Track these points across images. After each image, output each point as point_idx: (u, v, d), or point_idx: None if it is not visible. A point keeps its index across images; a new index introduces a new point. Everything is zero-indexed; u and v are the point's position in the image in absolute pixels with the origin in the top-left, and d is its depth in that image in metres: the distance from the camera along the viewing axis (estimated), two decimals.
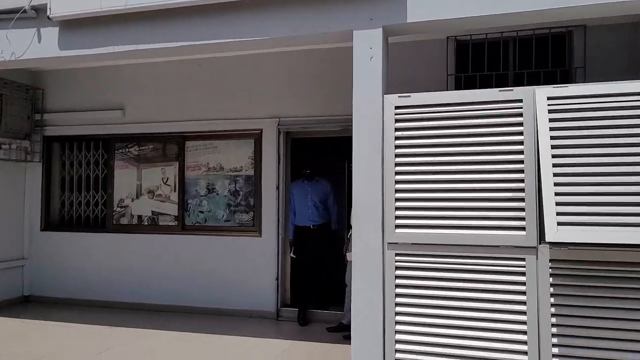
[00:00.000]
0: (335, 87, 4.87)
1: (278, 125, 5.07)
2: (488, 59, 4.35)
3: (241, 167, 5.23)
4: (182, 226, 5.36)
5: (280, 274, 5.01)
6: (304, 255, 4.79)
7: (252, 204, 5.17)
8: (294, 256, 4.88)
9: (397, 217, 2.93)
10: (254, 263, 5.06)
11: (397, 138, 2.97)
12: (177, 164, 5.44)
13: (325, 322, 4.72)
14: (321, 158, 5.41)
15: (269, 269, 5.00)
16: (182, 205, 5.38)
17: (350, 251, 4.23)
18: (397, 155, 2.96)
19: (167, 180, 5.49)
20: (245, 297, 5.03)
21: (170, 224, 5.43)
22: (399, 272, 2.90)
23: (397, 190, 2.94)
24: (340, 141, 5.84)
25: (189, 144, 5.43)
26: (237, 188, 5.24)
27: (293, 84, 5.06)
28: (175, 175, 5.44)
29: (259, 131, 5.14)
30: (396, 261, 2.91)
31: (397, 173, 2.95)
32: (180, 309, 5.21)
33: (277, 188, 5.04)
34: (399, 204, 2.93)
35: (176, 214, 5.40)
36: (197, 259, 5.25)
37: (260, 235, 5.07)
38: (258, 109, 5.14)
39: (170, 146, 5.50)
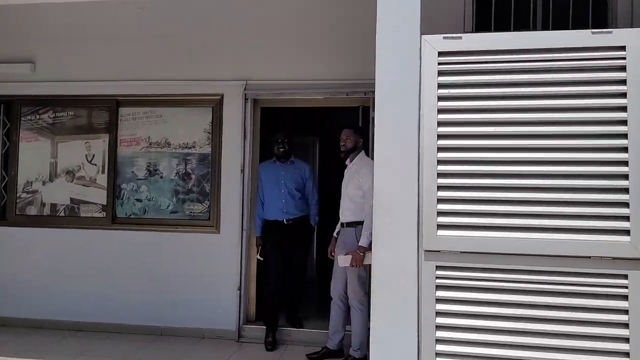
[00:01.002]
0: (322, 41, 3.90)
1: (245, 90, 4.01)
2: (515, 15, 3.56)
3: (194, 142, 4.13)
4: (112, 219, 4.19)
5: (244, 282, 3.99)
6: (275, 257, 3.80)
7: (207, 191, 4.09)
8: (261, 258, 3.89)
9: (440, 214, 2.04)
10: (210, 267, 4.01)
11: (441, 99, 2.08)
12: (107, 137, 4.24)
13: (301, 344, 3.78)
14: (294, 133, 4.40)
15: (229, 275, 3.97)
16: (113, 191, 4.20)
17: (344, 254, 3.33)
18: (441, 124, 2.06)
19: (92, 158, 4.27)
20: (197, 311, 3.98)
21: (96, 215, 4.23)
22: (441, 294, 2.02)
23: (440, 175, 2.05)
24: (314, 113, 4.89)
25: (124, 111, 4.24)
26: (187, 170, 4.14)
27: (265, 36, 4.02)
28: (105, 152, 4.23)
29: (219, 97, 4.06)
30: (437, 277, 2.03)
31: (440, 149, 2.06)
32: (107, 328, 4.06)
33: (242, 171, 4.00)
34: (442, 194, 2.04)
35: (104, 203, 4.21)
36: (131, 262, 4.11)
37: (218, 232, 4.02)
38: (219, 68, 4.06)
39: (98, 113, 4.28)
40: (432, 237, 2.03)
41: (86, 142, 4.28)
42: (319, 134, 5.87)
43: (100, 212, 4.22)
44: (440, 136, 2.06)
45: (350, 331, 3.41)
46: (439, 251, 2.04)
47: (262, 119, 4.21)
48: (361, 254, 3.21)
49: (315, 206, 3.96)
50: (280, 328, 3.87)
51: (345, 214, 3.42)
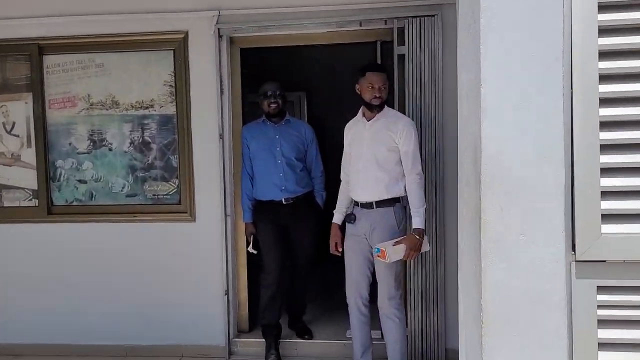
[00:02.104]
0: None
1: (217, 24, 2.96)
2: None
3: (151, 101, 3.09)
4: (47, 208, 3.15)
5: (232, 283, 3.08)
6: (273, 249, 2.90)
7: (174, 166, 3.10)
8: (254, 251, 2.98)
9: (604, 194, 1.15)
10: (185, 267, 3.07)
11: (601, 8, 1.15)
12: (29, 98, 3.14)
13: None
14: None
15: (211, 276, 3.05)
16: (46, 171, 3.15)
17: (390, 245, 2.44)
18: (604, 55, 1.15)
19: (12, 128, 3.18)
20: (172, 325, 3.07)
21: (25, 204, 3.18)
22: (607, 334, 1.17)
23: (603, 124, 1.15)
24: (299, 57, 3.85)
25: (50, 60, 3.13)
26: (146, 138, 3.11)
27: None
28: (29, 118, 3.15)
29: (182, 36, 3.01)
30: (600, 306, 1.17)
31: (604, 102, 1.15)
32: (52, 350, 3.11)
33: (221, 137, 3.01)
34: (608, 158, 1.16)
35: (35, 187, 3.16)
36: (77, 265, 3.13)
37: (193, 219, 3.07)
38: None
39: (13, 65, 3.16)
40: (591, 238, 1.16)
41: (1, 106, 3.17)
42: (306, 88, 4.86)
43: (30, 199, 3.18)
44: (605, 76, 1.15)
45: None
46: (604, 262, 1.17)
47: (251, 63, 3.20)
48: (420, 239, 2.44)
49: (320, 179, 3.04)
50: (283, 340, 3.02)
51: (371, 189, 2.52)
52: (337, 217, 2.68)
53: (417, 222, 2.44)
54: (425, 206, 2.50)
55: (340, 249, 2.66)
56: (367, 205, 2.54)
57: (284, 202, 2.88)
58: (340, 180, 2.74)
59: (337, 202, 2.70)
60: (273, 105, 2.86)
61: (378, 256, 2.43)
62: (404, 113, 2.79)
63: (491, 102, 1.25)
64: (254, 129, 2.96)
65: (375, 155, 2.51)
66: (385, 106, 2.58)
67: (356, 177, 2.57)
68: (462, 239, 1.58)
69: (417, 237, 2.43)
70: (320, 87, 4.82)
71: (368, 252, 2.58)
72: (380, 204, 2.53)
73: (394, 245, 2.41)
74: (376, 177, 2.52)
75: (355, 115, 2.65)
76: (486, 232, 1.28)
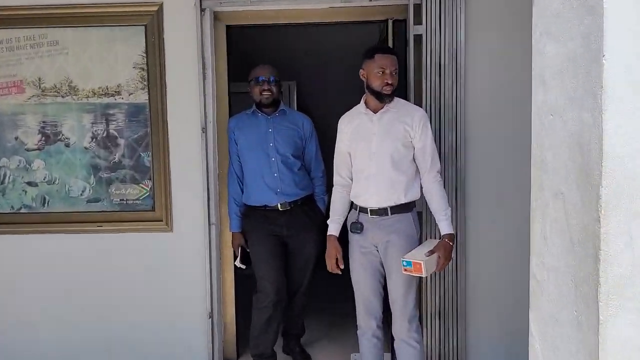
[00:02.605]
0: None
1: None
2: None
3: (118, 87, 2.60)
4: None
5: (217, 304, 2.63)
6: (267, 264, 2.46)
7: (147, 165, 2.62)
8: (243, 266, 2.54)
9: None
10: (161, 285, 2.61)
11: None
12: None
13: None
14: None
15: (192, 296, 2.60)
16: None
17: (423, 254, 2.04)
18: None
19: None
20: (147, 354, 2.60)
21: None
22: None
23: None
24: (290, 41, 3.41)
25: None
26: (111, 131, 2.62)
27: None
28: None
29: (156, 8, 2.52)
30: None
31: None
32: None
33: (204, 130, 2.55)
34: None
35: None
36: (28, 286, 2.62)
37: (170, 228, 2.61)
38: None
39: None
40: None
41: None
42: (297, 76, 4.42)
43: None
44: None
45: None
46: None
47: (239, 45, 2.74)
48: (453, 245, 2.11)
49: (321, 180, 2.62)
50: None
51: (386, 193, 2.13)
52: (334, 228, 2.26)
53: (446, 226, 2.10)
54: (450, 207, 2.13)
55: (342, 266, 2.26)
56: (380, 212, 2.15)
57: (280, 208, 2.45)
58: (333, 185, 2.34)
59: (331, 210, 2.29)
60: (266, 94, 2.42)
61: (408, 270, 2.03)
62: (421, 104, 2.40)
63: (618, 83, 0.86)
64: (242, 121, 2.51)
65: (390, 153, 2.12)
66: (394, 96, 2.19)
67: (364, 180, 2.17)
68: (539, 268, 1.19)
69: (451, 243, 2.07)
70: (312, 76, 4.39)
71: (380, 267, 2.21)
72: (397, 209, 2.14)
73: (428, 254, 2.03)
74: (392, 179, 2.13)
75: (351, 107, 2.26)
76: (607, 270, 0.89)
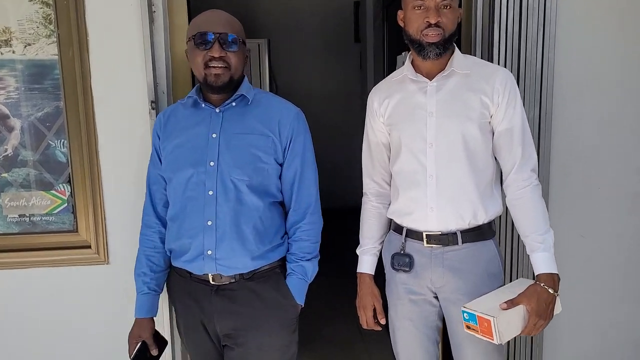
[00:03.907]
0: None
1: None
2: None
3: (8, 33, 1.61)
4: None
5: None
6: None
7: (61, 160, 1.68)
8: None
9: None
10: (91, 343, 1.72)
11: None
12: None
13: None
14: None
15: None
16: None
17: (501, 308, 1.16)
18: None
19: None
20: None
21: None
22: None
23: None
24: None
25: None
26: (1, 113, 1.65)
27: None
28: None
29: None
30: None
31: None
32: None
33: (153, 105, 1.63)
34: None
35: None
36: None
37: (105, 258, 1.70)
38: None
39: None
40: None
41: None
42: (268, 32, 3.52)
43: None
44: None
45: None
46: None
47: None
48: (554, 293, 1.32)
49: (308, 227, 1.43)
50: None
51: (453, 208, 1.38)
52: (369, 262, 1.54)
53: (545, 260, 1.33)
54: (552, 230, 1.38)
55: (383, 320, 1.51)
56: (444, 240, 1.40)
57: (213, 282, 1.37)
58: (363, 194, 1.58)
59: (363, 234, 1.55)
60: (216, 67, 1.32)
61: (471, 328, 1.29)
62: None
63: None
64: (175, 115, 1.44)
65: (459, 141, 1.36)
66: (457, 49, 1.39)
67: (415, 188, 1.40)
68: None
69: (549, 290, 1.30)
70: (288, 33, 3.49)
71: (437, 321, 1.48)
72: (471, 234, 1.39)
73: (504, 309, 1.28)
74: (463, 184, 1.37)
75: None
76: None
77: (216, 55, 1.30)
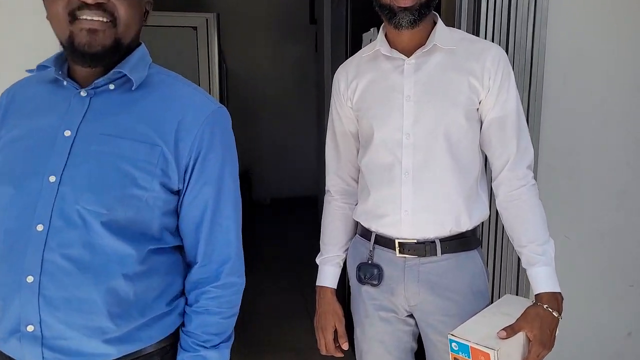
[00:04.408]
0: None
1: None
2: None
3: None
4: None
5: None
6: None
7: None
8: None
9: None
10: None
11: None
12: None
13: None
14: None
15: None
16: None
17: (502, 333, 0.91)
18: None
19: None
20: None
21: None
22: None
23: None
24: None
25: None
26: None
27: None
28: None
29: None
30: None
31: None
32: None
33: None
34: None
35: None
36: None
37: None
38: None
39: None
40: None
41: None
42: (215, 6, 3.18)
43: None
44: None
45: None
46: None
47: None
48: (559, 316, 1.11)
49: (226, 293, 0.91)
50: None
51: (433, 211, 1.16)
52: (331, 274, 1.31)
53: (547, 276, 1.13)
54: (552, 240, 1.19)
55: (345, 346, 1.28)
56: (420, 250, 1.17)
57: None
58: (326, 191, 1.36)
59: (325, 239, 1.32)
60: (90, 23, 0.81)
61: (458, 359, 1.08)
62: None
63: None
64: (21, 94, 0.94)
65: (442, 131, 1.13)
66: (440, 21, 1.16)
67: (387, 185, 1.17)
68: None
69: (553, 313, 1.11)
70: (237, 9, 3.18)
71: (412, 342, 1.28)
72: (453, 244, 1.17)
73: (503, 337, 1.08)
74: (444, 182, 1.16)
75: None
76: None
77: (90, 1, 0.80)
